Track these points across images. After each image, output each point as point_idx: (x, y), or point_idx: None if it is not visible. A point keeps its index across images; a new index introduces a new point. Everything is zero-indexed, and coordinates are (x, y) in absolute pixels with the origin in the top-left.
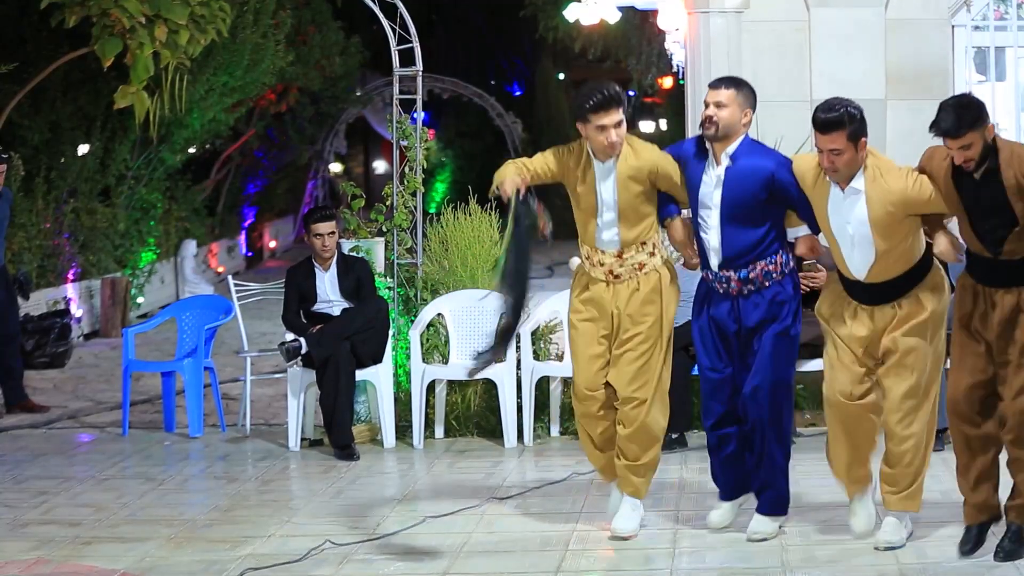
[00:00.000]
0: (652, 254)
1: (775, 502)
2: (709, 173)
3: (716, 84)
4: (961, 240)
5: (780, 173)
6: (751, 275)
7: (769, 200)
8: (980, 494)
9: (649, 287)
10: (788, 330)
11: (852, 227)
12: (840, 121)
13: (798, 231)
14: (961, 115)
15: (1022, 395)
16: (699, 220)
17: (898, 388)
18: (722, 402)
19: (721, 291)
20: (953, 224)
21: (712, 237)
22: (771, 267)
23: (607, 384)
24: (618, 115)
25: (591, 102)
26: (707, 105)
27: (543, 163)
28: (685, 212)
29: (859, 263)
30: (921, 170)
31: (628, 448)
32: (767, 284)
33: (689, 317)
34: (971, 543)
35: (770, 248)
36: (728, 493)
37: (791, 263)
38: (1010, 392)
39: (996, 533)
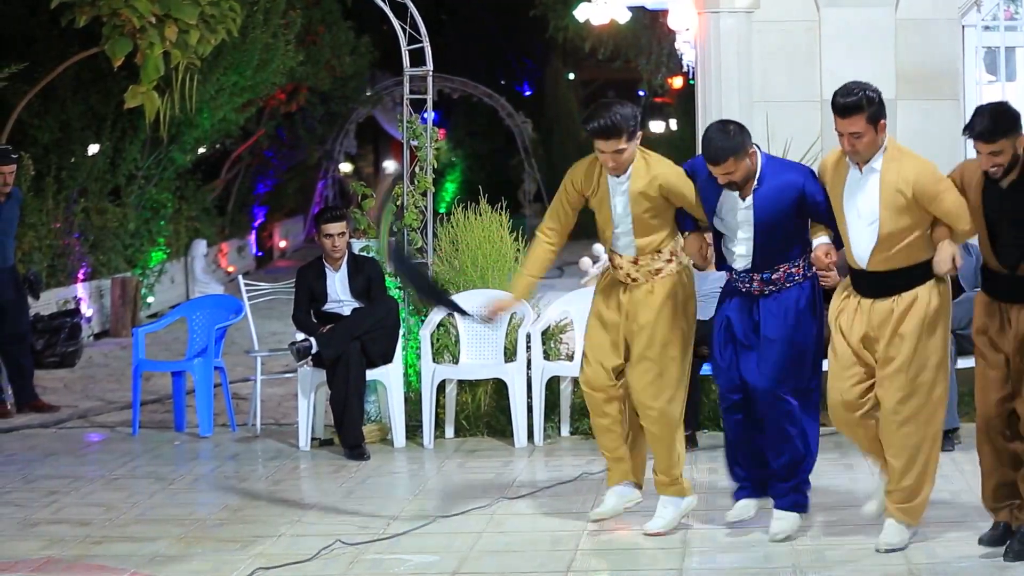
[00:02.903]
0: (669, 260)
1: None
2: (731, 196)
3: (714, 160)
4: (958, 261)
5: (809, 185)
6: (774, 276)
7: (800, 213)
8: (1000, 505)
9: (664, 292)
10: (803, 337)
11: (863, 206)
12: (859, 104)
13: (818, 240)
14: (997, 120)
15: None
16: (722, 233)
17: (891, 398)
18: (731, 379)
19: (743, 289)
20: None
21: (741, 248)
22: (794, 269)
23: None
24: (617, 144)
25: (591, 126)
26: (719, 176)
27: (562, 215)
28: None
29: (864, 247)
30: (952, 180)
31: (659, 457)
32: (788, 285)
33: (702, 317)
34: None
35: (795, 252)
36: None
37: (812, 267)
38: None
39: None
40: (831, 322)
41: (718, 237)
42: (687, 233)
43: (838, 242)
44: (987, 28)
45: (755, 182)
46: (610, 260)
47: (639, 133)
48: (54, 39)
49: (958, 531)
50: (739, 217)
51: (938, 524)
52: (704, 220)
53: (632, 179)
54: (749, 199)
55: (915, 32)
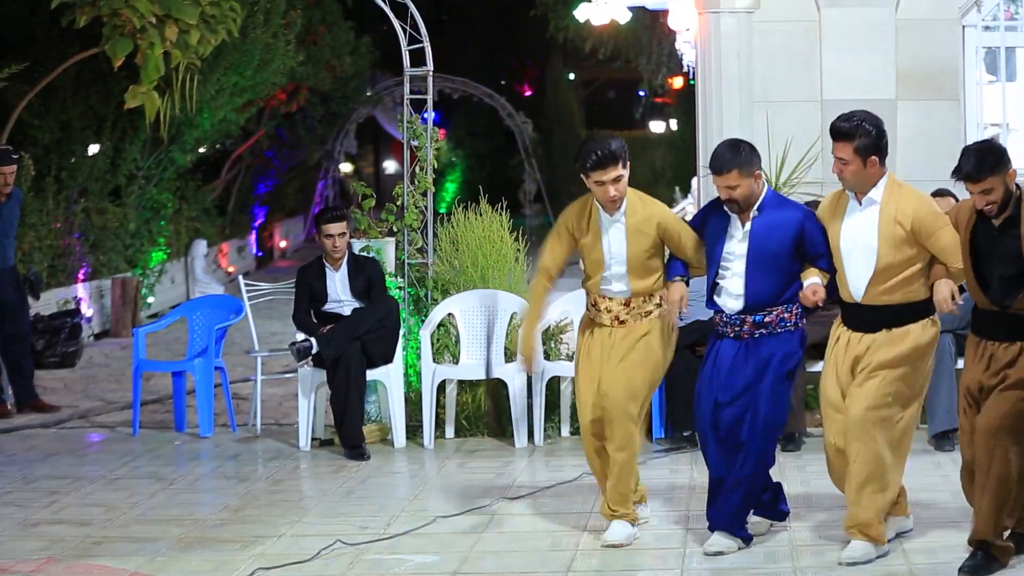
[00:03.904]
0: (659, 304)
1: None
2: (734, 225)
3: (717, 169)
4: (958, 300)
5: (809, 223)
6: (767, 319)
7: (796, 251)
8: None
9: (649, 327)
10: (790, 375)
11: (860, 237)
12: (848, 133)
13: (809, 280)
14: (982, 160)
15: (988, 415)
16: (720, 268)
17: (857, 407)
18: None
19: (732, 334)
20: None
21: (734, 284)
22: (787, 315)
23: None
24: (615, 171)
25: (589, 161)
26: (720, 188)
27: (557, 255)
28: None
29: (860, 279)
30: (951, 216)
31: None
32: (779, 331)
33: (697, 316)
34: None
35: (789, 297)
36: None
37: (803, 314)
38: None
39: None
40: (826, 364)
41: (712, 280)
42: (677, 278)
43: (830, 289)
44: (987, 28)
45: (756, 210)
46: (595, 305)
47: (628, 161)
48: (54, 39)
49: (959, 531)
50: (735, 249)
51: (938, 524)
52: (692, 263)
53: (628, 215)
54: (748, 226)
55: (915, 32)
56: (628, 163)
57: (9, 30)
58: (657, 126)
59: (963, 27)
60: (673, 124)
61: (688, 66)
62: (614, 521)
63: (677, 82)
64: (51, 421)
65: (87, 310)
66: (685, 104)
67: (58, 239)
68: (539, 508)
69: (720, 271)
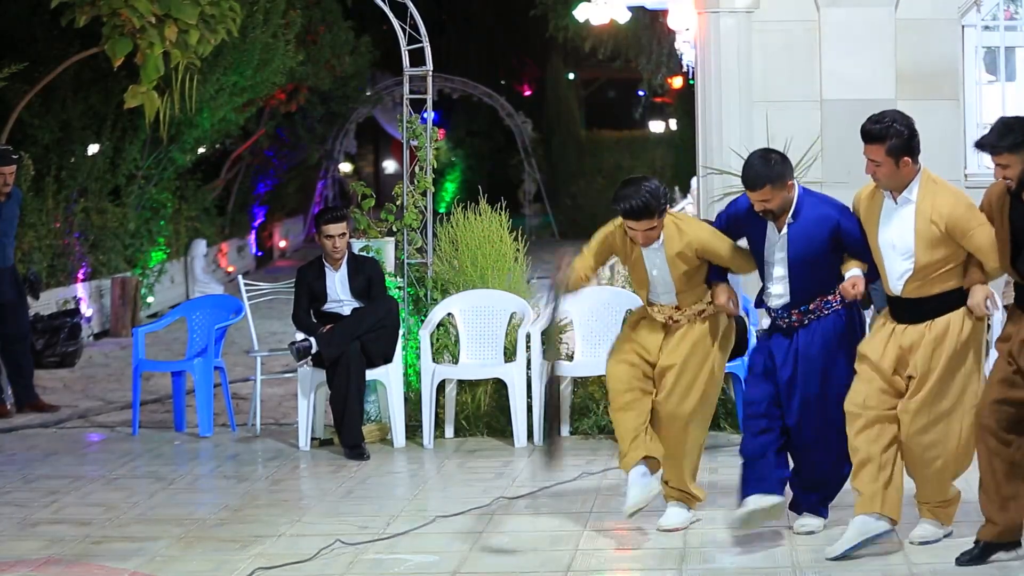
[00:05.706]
0: (711, 302)
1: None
2: (771, 230)
3: (751, 186)
4: (999, 300)
5: (844, 220)
6: (811, 306)
7: (835, 248)
8: (1008, 515)
9: (705, 329)
10: (844, 357)
11: (897, 237)
12: (880, 135)
13: (849, 272)
14: (1004, 135)
15: None
16: (763, 270)
17: (913, 426)
18: (764, 392)
19: (784, 326)
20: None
21: (778, 287)
22: (830, 297)
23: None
24: (648, 224)
25: (621, 207)
26: (754, 201)
27: (588, 265)
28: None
29: (898, 276)
30: (982, 208)
31: (671, 472)
32: (826, 312)
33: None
34: (973, 557)
35: (831, 284)
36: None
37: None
38: None
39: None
40: (860, 347)
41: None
42: (715, 284)
43: (870, 274)
44: (987, 28)
45: (790, 215)
46: (649, 306)
47: (667, 208)
48: (54, 39)
49: (960, 531)
50: (777, 253)
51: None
52: (735, 269)
53: (666, 244)
54: (784, 231)
55: (915, 32)
56: (665, 210)
57: (9, 30)
58: (657, 126)
59: (963, 27)
60: (673, 124)
61: (688, 66)
62: (671, 505)
63: (677, 82)
64: (51, 421)
65: (87, 310)
66: (685, 104)
67: (58, 239)
68: (538, 508)
69: (765, 274)
